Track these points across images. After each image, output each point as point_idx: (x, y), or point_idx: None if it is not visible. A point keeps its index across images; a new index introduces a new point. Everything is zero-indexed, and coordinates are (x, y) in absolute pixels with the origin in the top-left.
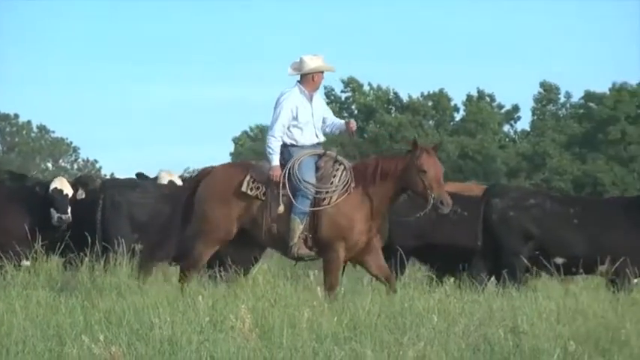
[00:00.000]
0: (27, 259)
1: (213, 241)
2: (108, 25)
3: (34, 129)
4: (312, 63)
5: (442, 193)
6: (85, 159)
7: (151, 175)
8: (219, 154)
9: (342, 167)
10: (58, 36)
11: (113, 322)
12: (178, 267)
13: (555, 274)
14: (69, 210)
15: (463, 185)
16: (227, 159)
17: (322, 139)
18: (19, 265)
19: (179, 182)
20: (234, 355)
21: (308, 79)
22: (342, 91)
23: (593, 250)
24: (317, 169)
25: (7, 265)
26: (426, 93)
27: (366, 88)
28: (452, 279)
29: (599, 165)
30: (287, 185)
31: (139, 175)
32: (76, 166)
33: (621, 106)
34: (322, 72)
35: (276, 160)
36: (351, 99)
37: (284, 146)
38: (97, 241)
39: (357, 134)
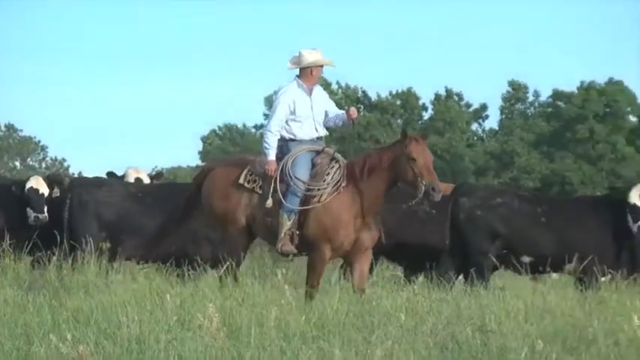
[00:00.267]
0: None
1: (232, 235)
2: (75, 23)
3: (2, 128)
4: (310, 57)
5: (433, 180)
6: (53, 158)
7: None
8: (187, 152)
9: (337, 165)
10: (25, 34)
11: (81, 321)
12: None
13: (524, 273)
14: (45, 209)
15: None
16: (195, 158)
17: (323, 133)
18: None
19: (147, 180)
20: (201, 354)
21: (307, 73)
22: None
23: (561, 249)
24: (313, 165)
25: None
26: (394, 92)
27: (335, 87)
28: (420, 278)
29: (568, 164)
30: (280, 181)
31: (110, 174)
32: (44, 165)
33: (589, 104)
34: (321, 66)
35: (271, 155)
36: None
37: (283, 141)
38: (64, 240)
39: (354, 122)
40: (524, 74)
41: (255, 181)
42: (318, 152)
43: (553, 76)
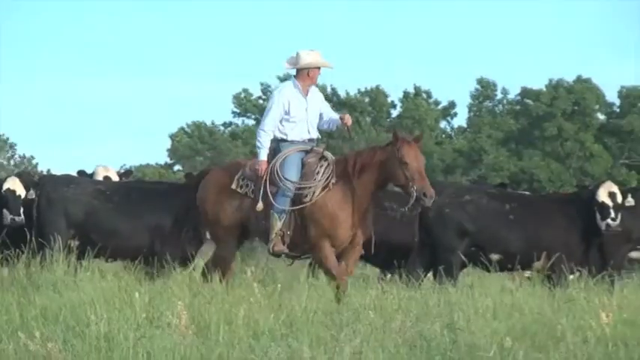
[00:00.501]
0: None
1: (223, 239)
2: (43, 20)
3: None
4: (307, 58)
5: (425, 185)
6: (22, 155)
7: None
8: (155, 150)
9: (325, 163)
10: None
11: (49, 318)
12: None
13: (492, 270)
14: (21, 211)
15: None
16: (164, 156)
17: (315, 135)
18: None
19: (115, 178)
20: (170, 352)
21: (303, 74)
22: None
23: (529, 246)
24: (303, 165)
25: None
26: (362, 89)
27: None
28: (388, 275)
29: (536, 161)
30: (270, 182)
31: (81, 172)
32: (12, 163)
33: (557, 102)
34: (318, 67)
35: (263, 155)
36: None
37: (275, 141)
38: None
39: (349, 129)
40: (492, 72)
41: (247, 186)
42: (307, 152)
43: (521, 74)
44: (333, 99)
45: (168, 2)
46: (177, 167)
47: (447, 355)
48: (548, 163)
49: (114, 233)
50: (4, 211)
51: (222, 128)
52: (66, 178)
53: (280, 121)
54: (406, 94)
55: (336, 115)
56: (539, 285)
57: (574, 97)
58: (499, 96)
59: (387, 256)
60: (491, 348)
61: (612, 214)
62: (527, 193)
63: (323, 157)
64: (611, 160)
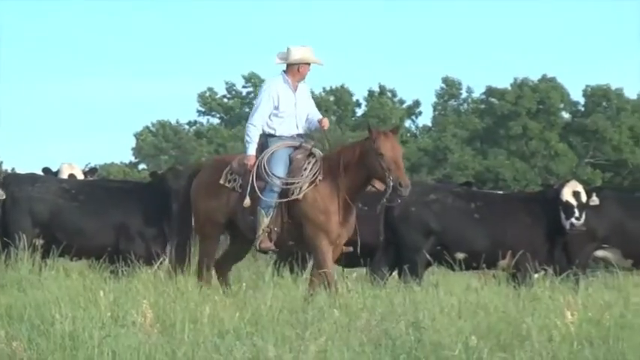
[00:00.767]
0: None
1: (207, 236)
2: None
3: None
4: (297, 53)
5: (400, 175)
6: None
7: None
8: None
9: (313, 160)
10: None
11: (14, 317)
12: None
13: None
14: None
15: None
16: (128, 154)
17: (304, 131)
18: None
19: (80, 175)
20: (135, 351)
21: (293, 70)
22: (243, 87)
23: (494, 245)
24: (291, 161)
25: None
26: (328, 88)
27: None
28: (354, 274)
29: (501, 160)
30: (257, 178)
31: (46, 170)
32: None
33: (522, 101)
34: (308, 64)
35: (251, 149)
36: (252, 94)
37: (263, 136)
38: None
39: (325, 132)
40: (457, 71)
41: (235, 180)
42: (295, 148)
43: (486, 72)
44: None
45: (134, 1)
46: (142, 166)
47: (412, 353)
48: (513, 162)
49: (79, 232)
50: None
51: (186, 127)
52: (31, 177)
53: (269, 116)
54: (371, 93)
55: (318, 116)
56: (505, 284)
57: (539, 96)
58: (464, 95)
59: (352, 255)
60: (456, 347)
61: (576, 214)
62: (500, 192)
63: (311, 154)
64: (575, 159)
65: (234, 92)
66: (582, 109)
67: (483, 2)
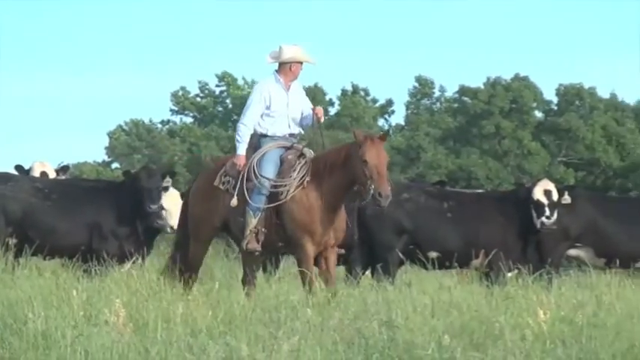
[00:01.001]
0: None
1: (201, 239)
2: None
3: None
4: (289, 52)
5: (381, 185)
6: None
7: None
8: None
9: (303, 161)
10: None
11: None
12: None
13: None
14: None
15: None
16: (101, 153)
17: (297, 131)
18: None
19: (52, 173)
20: (108, 350)
21: (285, 69)
22: (216, 86)
23: (467, 244)
24: (282, 162)
25: None
26: None
27: (241, 82)
28: None
29: (474, 159)
30: (247, 179)
31: (18, 167)
32: None
33: (495, 100)
34: (300, 62)
35: (241, 150)
36: (225, 93)
37: (255, 136)
38: None
39: (320, 122)
40: (430, 70)
41: (228, 182)
42: (287, 148)
43: (459, 72)
44: None
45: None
46: (115, 165)
47: (384, 352)
48: (486, 161)
49: (52, 231)
50: None
51: (160, 126)
52: (3, 176)
53: (261, 116)
54: (344, 92)
55: (309, 112)
56: (478, 282)
57: (512, 95)
58: (437, 94)
59: None
60: (429, 346)
61: (547, 212)
62: (479, 190)
63: (302, 155)
64: (548, 158)
65: (207, 91)
66: (555, 108)
67: (456, 2)
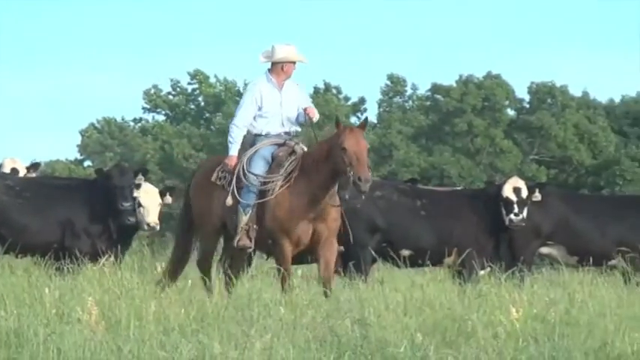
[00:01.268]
0: None
1: (207, 233)
2: None
3: None
4: (282, 52)
5: (359, 169)
6: None
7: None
8: (65, 146)
9: (293, 157)
10: None
11: None
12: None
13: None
14: None
15: None
16: (74, 151)
17: (293, 129)
18: None
19: (23, 170)
20: (80, 348)
21: (277, 69)
22: (188, 83)
23: (440, 242)
24: (273, 159)
25: None
26: None
27: (213, 80)
28: (299, 271)
29: (446, 157)
30: (238, 177)
31: None
32: None
33: (467, 98)
34: (293, 62)
35: (233, 150)
36: (197, 91)
37: (251, 136)
38: None
39: (312, 121)
40: (402, 68)
41: (225, 178)
42: (280, 145)
43: (431, 69)
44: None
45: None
46: (87, 163)
47: (357, 350)
48: (458, 159)
49: (24, 229)
50: None
51: (132, 124)
52: None
53: (255, 117)
54: (316, 90)
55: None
56: (450, 280)
57: (484, 93)
58: (409, 92)
59: (300, 252)
60: (401, 343)
61: (515, 210)
62: (459, 187)
63: (293, 152)
64: (520, 156)
65: (179, 89)
66: (527, 106)
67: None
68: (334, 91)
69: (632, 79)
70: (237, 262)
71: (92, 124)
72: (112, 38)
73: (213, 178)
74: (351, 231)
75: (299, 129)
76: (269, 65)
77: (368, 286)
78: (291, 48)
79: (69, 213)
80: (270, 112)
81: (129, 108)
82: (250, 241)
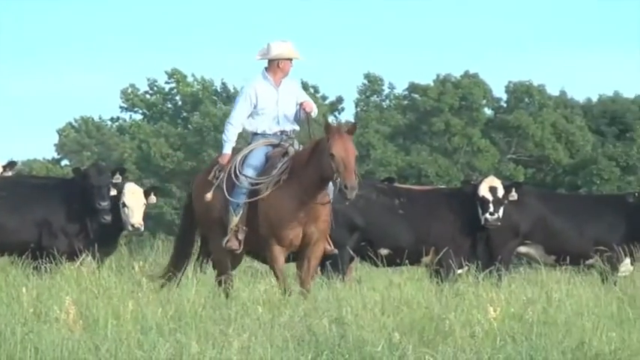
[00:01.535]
0: None
1: (214, 232)
2: None
3: None
4: (277, 49)
5: (346, 177)
6: None
7: None
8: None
9: (285, 159)
10: None
11: None
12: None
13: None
14: None
15: None
16: (51, 150)
17: (290, 127)
18: None
19: None
20: (58, 347)
21: (273, 66)
22: (165, 82)
23: (418, 241)
24: (267, 160)
25: None
26: None
27: (190, 79)
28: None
29: (423, 156)
30: (229, 176)
31: None
32: None
33: (445, 97)
34: (290, 59)
35: (227, 148)
36: (175, 90)
37: (248, 134)
38: None
39: (309, 116)
40: (379, 67)
41: (220, 177)
42: (275, 146)
43: (409, 69)
44: (222, 94)
45: None
46: (64, 162)
47: (335, 349)
48: (435, 158)
49: (1, 228)
50: None
51: (109, 123)
52: None
53: (250, 115)
54: None
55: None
56: (428, 279)
57: (461, 93)
58: (386, 91)
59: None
60: (379, 343)
61: (491, 209)
62: (442, 186)
63: (286, 153)
64: (498, 155)
65: (156, 88)
66: (504, 105)
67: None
68: (311, 90)
69: (609, 78)
70: (221, 262)
71: (69, 123)
72: (90, 37)
73: (210, 177)
74: (331, 231)
75: (297, 127)
76: (266, 63)
77: (345, 285)
78: (287, 45)
79: (46, 212)
80: (265, 110)
81: (106, 107)
82: (239, 244)
